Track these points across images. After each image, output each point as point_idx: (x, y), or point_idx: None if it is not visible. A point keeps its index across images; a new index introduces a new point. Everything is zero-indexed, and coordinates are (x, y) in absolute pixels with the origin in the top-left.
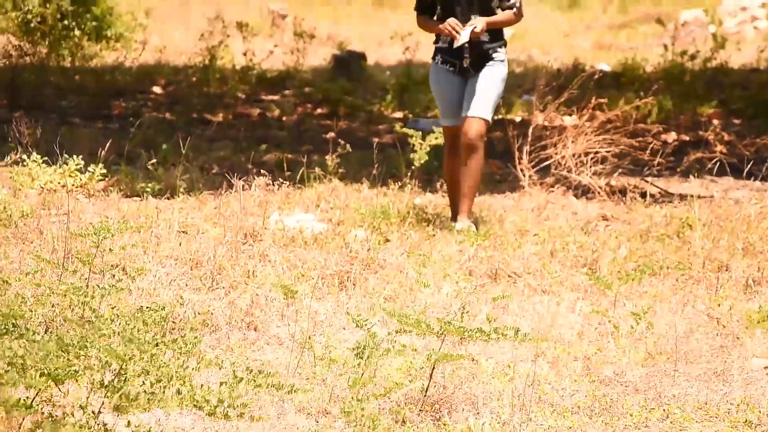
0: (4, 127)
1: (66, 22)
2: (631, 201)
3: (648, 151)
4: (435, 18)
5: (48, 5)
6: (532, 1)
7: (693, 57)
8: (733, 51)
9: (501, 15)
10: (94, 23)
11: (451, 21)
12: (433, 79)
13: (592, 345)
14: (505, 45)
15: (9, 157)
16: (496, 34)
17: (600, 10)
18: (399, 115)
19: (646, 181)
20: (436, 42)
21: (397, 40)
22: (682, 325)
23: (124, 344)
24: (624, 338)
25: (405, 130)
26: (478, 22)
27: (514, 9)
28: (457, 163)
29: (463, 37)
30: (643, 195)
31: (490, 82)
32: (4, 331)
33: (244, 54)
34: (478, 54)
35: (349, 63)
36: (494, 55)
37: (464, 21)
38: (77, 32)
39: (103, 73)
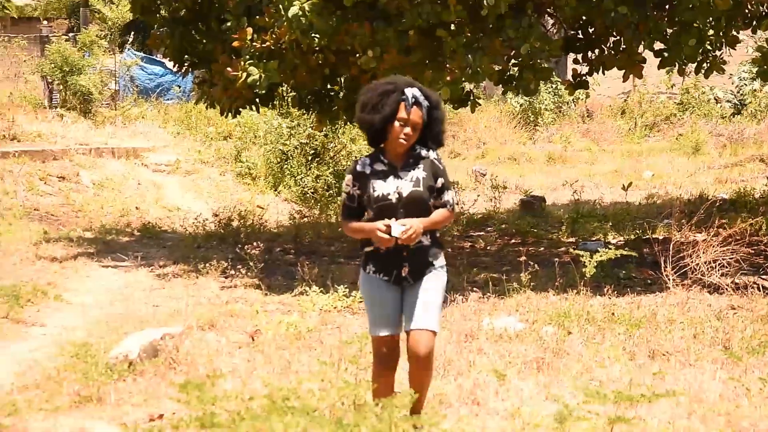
0: (293, 269)
1: (331, 191)
2: (751, 294)
3: (762, 257)
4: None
5: (317, 180)
6: (664, 150)
7: None
8: None
9: (436, 214)
10: None
11: (386, 221)
12: (364, 289)
13: (731, 404)
14: (442, 249)
15: (297, 290)
16: (435, 237)
17: (717, 154)
18: (572, 240)
19: (763, 278)
20: (365, 247)
21: (567, 186)
22: None
23: (384, 422)
24: (755, 397)
25: (577, 251)
26: (415, 222)
27: (448, 206)
28: (390, 380)
29: (394, 232)
30: (761, 289)
31: (434, 291)
32: (299, 414)
33: (457, 204)
34: (419, 261)
35: (533, 205)
36: (435, 262)
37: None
38: (339, 198)
39: None
